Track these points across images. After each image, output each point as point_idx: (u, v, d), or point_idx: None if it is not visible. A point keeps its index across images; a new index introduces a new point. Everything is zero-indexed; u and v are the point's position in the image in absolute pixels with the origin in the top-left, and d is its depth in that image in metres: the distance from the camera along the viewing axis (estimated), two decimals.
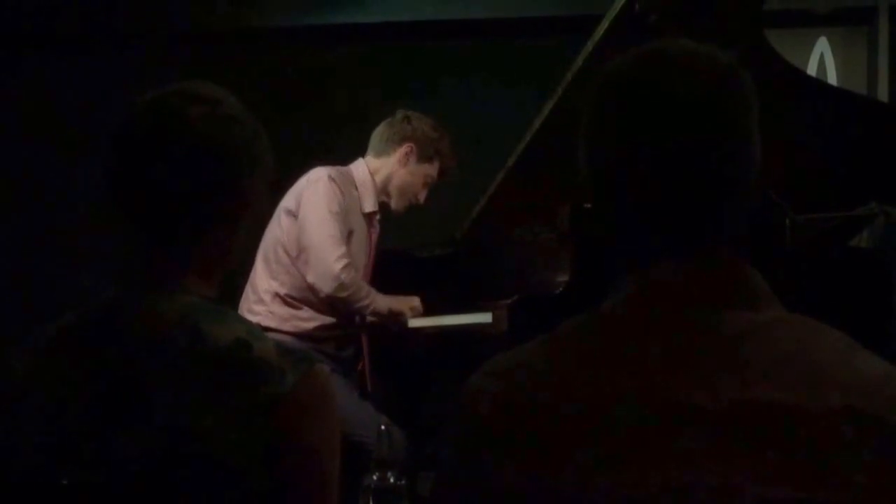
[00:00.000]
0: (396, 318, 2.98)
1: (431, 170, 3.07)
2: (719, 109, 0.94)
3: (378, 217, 3.10)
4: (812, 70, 4.41)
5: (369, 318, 3.00)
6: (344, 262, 2.81)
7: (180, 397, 1.11)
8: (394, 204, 3.07)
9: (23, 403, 1.16)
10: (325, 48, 4.59)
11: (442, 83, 4.40)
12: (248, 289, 3.00)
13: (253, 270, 2.99)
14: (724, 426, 0.85)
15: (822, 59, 4.49)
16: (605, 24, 2.80)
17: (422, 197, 3.10)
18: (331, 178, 2.89)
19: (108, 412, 1.12)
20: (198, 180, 1.18)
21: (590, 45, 2.84)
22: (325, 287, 2.82)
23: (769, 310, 0.92)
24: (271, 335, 2.88)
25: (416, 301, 3.01)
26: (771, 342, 0.89)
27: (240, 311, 2.94)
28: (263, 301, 2.94)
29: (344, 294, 2.82)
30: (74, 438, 1.13)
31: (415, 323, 3.02)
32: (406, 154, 3.03)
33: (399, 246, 3.38)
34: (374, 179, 3.03)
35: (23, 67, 4.59)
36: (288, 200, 2.93)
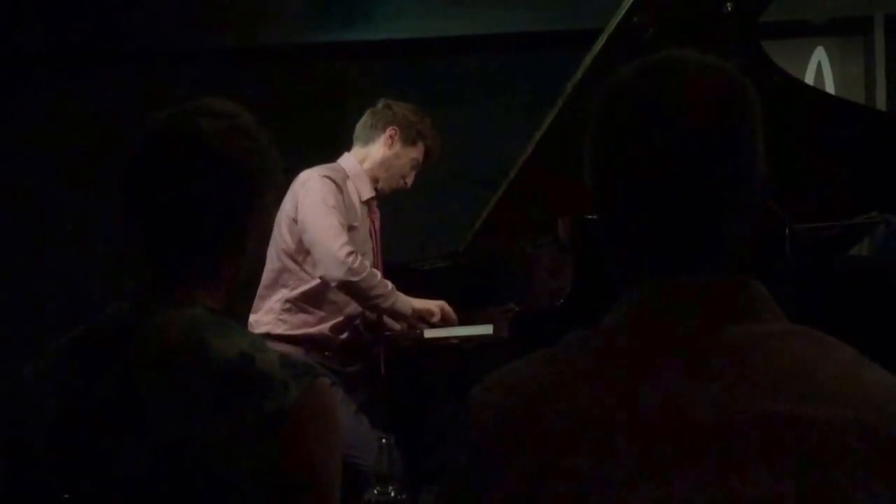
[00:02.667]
0: (422, 319, 2.97)
1: (416, 152, 3.10)
2: (725, 121, 0.93)
3: (377, 203, 3.11)
4: (810, 79, 4.42)
5: (389, 323, 2.99)
6: (348, 248, 2.82)
7: (184, 411, 1.11)
8: (381, 183, 3.09)
9: (29, 416, 1.17)
10: (336, 65, 4.62)
11: (446, 97, 4.42)
12: (256, 299, 3.01)
13: (262, 279, 3.00)
14: (727, 441, 0.84)
15: (819, 68, 4.50)
16: (603, 39, 2.81)
17: (409, 180, 3.12)
18: (322, 176, 2.93)
19: (113, 425, 1.12)
20: (210, 195, 1.19)
21: (589, 59, 2.86)
22: (336, 274, 2.82)
23: (774, 322, 0.92)
24: (280, 344, 2.85)
25: (443, 303, 3.00)
26: (776, 355, 0.88)
27: (248, 321, 2.96)
28: (273, 309, 2.95)
29: (356, 279, 2.82)
30: (78, 451, 1.13)
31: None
32: (391, 137, 3.07)
33: (401, 258, 3.38)
34: (362, 166, 3.07)
35: (35, 85, 4.61)
36: (287, 207, 2.95)
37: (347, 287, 2.85)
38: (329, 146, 4.17)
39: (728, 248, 0.95)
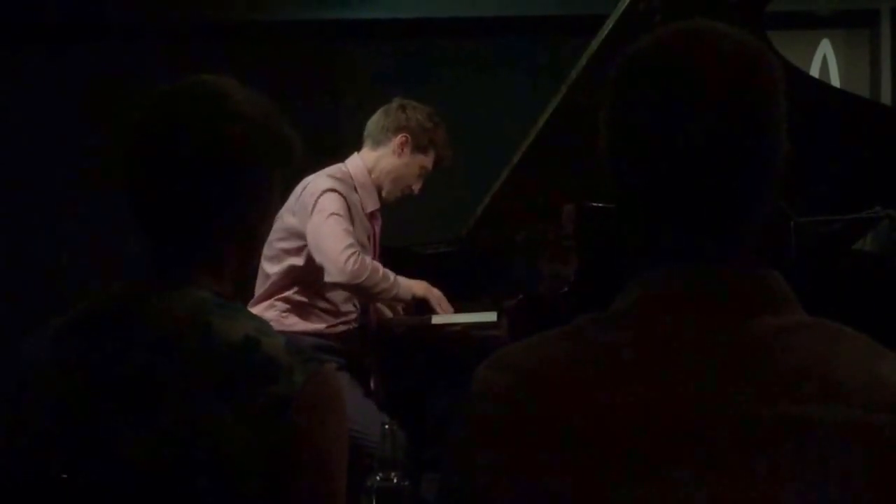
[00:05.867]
0: (420, 302, 2.98)
1: (426, 160, 3.06)
2: (750, 96, 0.90)
3: (379, 211, 3.10)
4: (815, 72, 4.41)
5: (388, 309, 3.00)
6: (348, 252, 2.82)
7: (188, 394, 1.10)
8: (386, 193, 3.07)
9: (29, 397, 1.16)
10: (332, 44, 4.59)
11: (447, 80, 4.40)
12: (256, 295, 3.02)
13: (259, 277, 3.00)
14: (738, 439, 0.83)
15: (824, 61, 4.49)
16: (609, 24, 2.80)
17: (416, 187, 3.10)
18: (330, 190, 2.91)
19: (115, 408, 1.11)
20: (210, 178, 1.17)
21: (594, 45, 2.85)
22: (340, 279, 2.85)
23: (791, 314, 0.89)
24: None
25: (439, 293, 3.01)
26: (790, 351, 0.86)
27: None
28: (275, 306, 2.97)
29: (358, 281, 2.84)
30: (79, 433, 1.12)
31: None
32: (401, 144, 3.02)
33: (403, 243, 3.38)
34: (370, 175, 3.04)
35: (25, 59, 4.57)
36: (290, 210, 2.94)
37: (352, 290, 2.91)
38: (323, 128, 4.16)
39: (749, 233, 0.92)
